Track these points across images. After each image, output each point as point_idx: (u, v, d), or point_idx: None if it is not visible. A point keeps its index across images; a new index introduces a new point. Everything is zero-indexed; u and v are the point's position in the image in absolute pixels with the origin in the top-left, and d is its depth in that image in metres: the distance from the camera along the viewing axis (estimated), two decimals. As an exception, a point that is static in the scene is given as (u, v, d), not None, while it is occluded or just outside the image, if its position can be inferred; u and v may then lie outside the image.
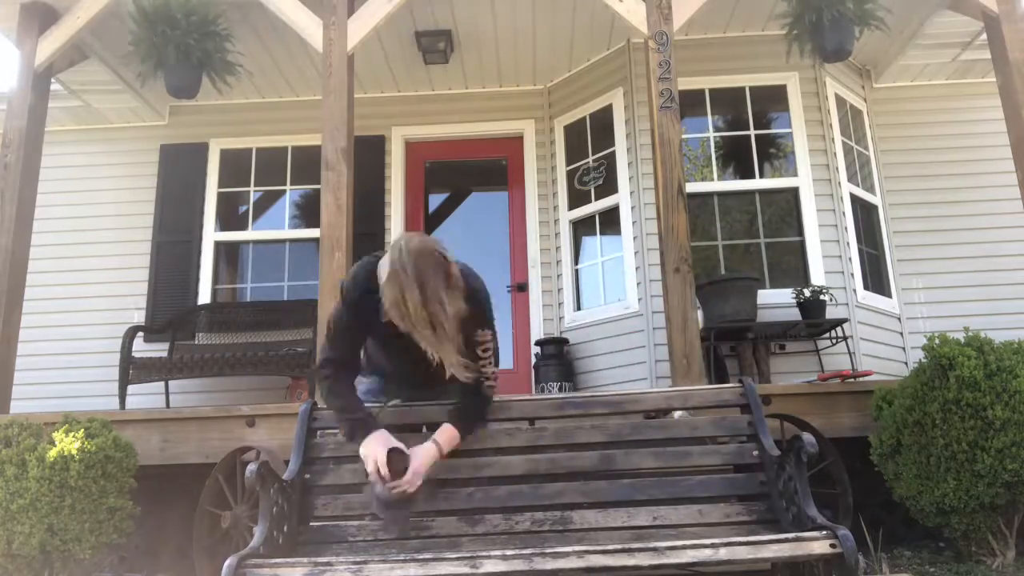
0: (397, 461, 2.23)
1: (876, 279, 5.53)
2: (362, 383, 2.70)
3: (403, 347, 2.27)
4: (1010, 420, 2.99)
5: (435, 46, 5.48)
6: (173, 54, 4.64)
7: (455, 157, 6.30)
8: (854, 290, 5.21)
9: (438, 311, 2.08)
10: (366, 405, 2.47)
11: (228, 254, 6.10)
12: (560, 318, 5.73)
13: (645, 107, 4.88)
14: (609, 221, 5.60)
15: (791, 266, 5.30)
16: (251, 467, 2.17)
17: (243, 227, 6.13)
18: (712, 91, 5.62)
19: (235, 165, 6.19)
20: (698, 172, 5.55)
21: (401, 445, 2.27)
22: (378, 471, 2.21)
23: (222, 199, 6.13)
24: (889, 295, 5.58)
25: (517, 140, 6.17)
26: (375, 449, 2.24)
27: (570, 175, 5.90)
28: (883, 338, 5.35)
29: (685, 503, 2.42)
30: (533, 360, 5.50)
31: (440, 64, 5.73)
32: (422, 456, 2.30)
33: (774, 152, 5.58)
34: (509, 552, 1.97)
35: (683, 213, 3.93)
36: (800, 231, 5.31)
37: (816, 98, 5.53)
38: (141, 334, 5.41)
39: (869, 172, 5.80)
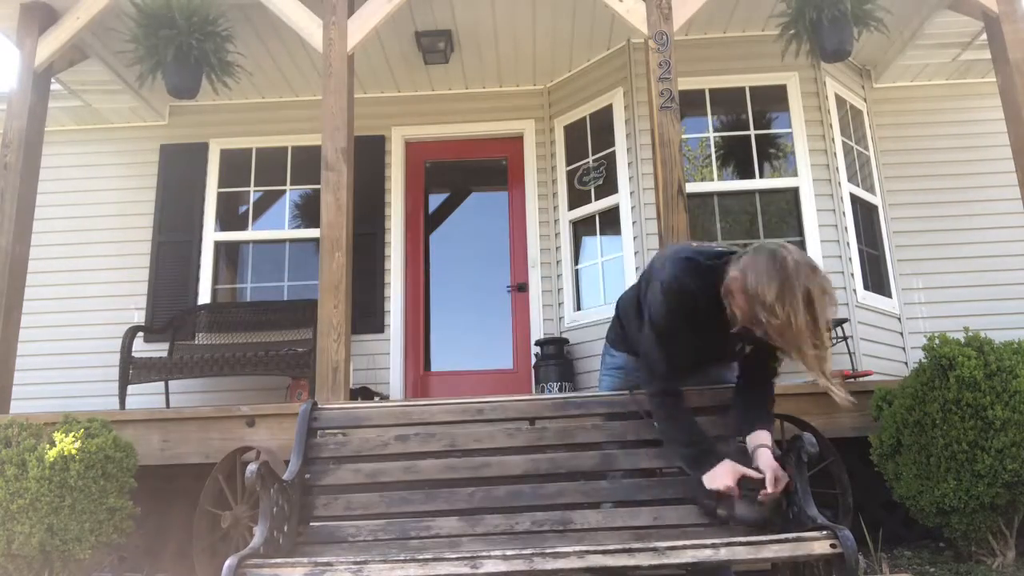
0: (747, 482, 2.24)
1: (876, 279, 5.53)
2: (615, 357, 2.68)
3: (709, 347, 2.25)
4: (1010, 420, 2.99)
5: (435, 46, 5.48)
6: (173, 54, 4.63)
7: (455, 157, 6.30)
8: (854, 290, 5.21)
9: (824, 329, 2.02)
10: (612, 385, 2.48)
11: (228, 254, 6.10)
12: (560, 318, 5.73)
13: (645, 107, 4.88)
14: (609, 221, 5.60)
15: (791, 266, 5.29)
16: (251, 467, 2.17)
17: (243, 227, 6.13)
18: (712, 91, 5.62)
19: (235, 165, 6.19)
20: (698, 172, 5.55)
21: (748, 471, 2.23)
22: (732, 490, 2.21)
23: (222, 199, 6.13)
24: (889, 295, 5.58)
25: (517, 140, 6.17)
26: (729, 479, 2.22)
27: (570, 175, 5.90)
28: (883, 338, 5.35)
29: (686, 503, 2.42)
30: (533, 360, 5.50)
31: (440, 64, 5.73)
32: (768, 459, 2.25)
33: (774, 152, 5.57)
34: (509, 552, 1.97)
35: (683, 213, 3.93)
36: (800, 231, 5.31)
37: (816, 98, 5.53)
38: (141, 334, 5.41)
39: (869, 172, 5.80)
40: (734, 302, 2.11)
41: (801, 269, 2.02)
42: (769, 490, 2.18)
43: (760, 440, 2.31)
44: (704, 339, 2.28)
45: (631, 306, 2.57)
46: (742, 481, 2.22)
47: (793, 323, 1.99)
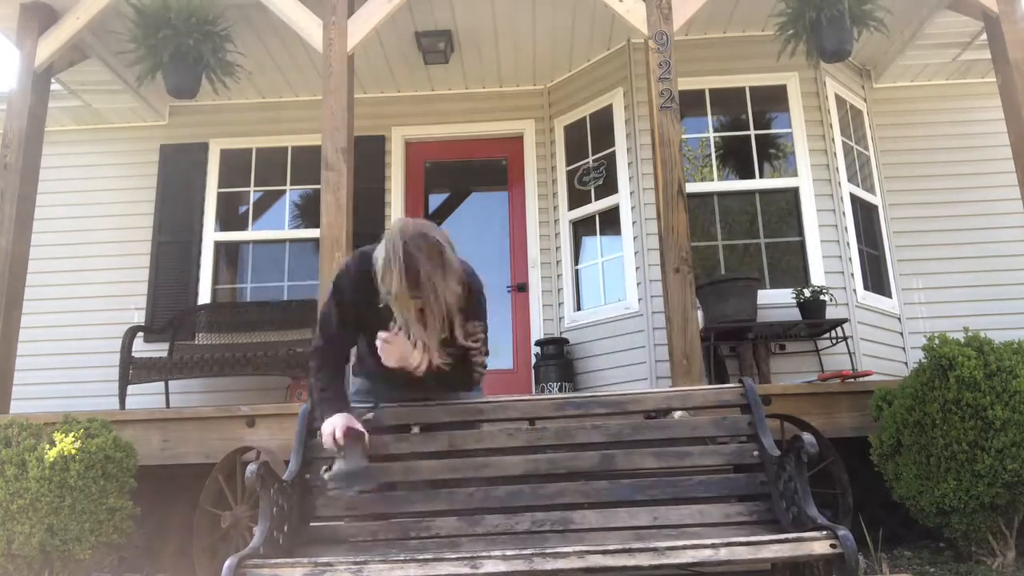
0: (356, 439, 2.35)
1: (876, 279, 5.53)
2: (353, 383, 2.71)
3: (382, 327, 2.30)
4: (1010, 420, 2.99)
5: (435, 46, 5.48)
6: (172, 54, 4.64)
7: (455, 157, 6.30)
8: (854, 290, 5.21)
9: (428, 293, 2.11)
10: (356, 406, 2.50)
11: (228, 254, 6.10)
12: (560, 318, 5.73)
13: (645, 107, 4.88)
14: (609, 221, 5.60)
15: (791, 266, 5.30)
16: (251, 467, 2.17)
17: (243, 227, 6.13)
18: (712, 91, 5.62)
19: (235, 165, 6.19)
20: (698, 172, 5.55)
21: (360, 426, 2.36)
22: (335, 443, 2.31)
23: (222, 199, 6.13)
24: (889, 295, 5.58)
25: (517, 140, 6.17)
26: (331, 427, 2.32)
27: (570, 175, 5.90)
28: (883, 338, 5.35)
29: (685, 503, 2.42)
30: (533, 360, 5.50)
31: (440, 64, 5.73)
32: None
33: (774, 152, 5.58)
34: (509, 552, 1.97)
35: (683, 213, 3.94)
36: (800, 231, 5.31)
37: (816, 98, 5.53)
38: (141, 334, 5.41)
39: (869, 172, 5.80)
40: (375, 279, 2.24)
41: (401, 232, 2.14)
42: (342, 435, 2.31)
43: None
44: (369, 324, 2.40)
45: None
46: (349, 433, 2.32)
47: (389, 281, 2.12)
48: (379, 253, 2.18)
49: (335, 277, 2.47)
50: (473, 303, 2.34)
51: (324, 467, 2.43)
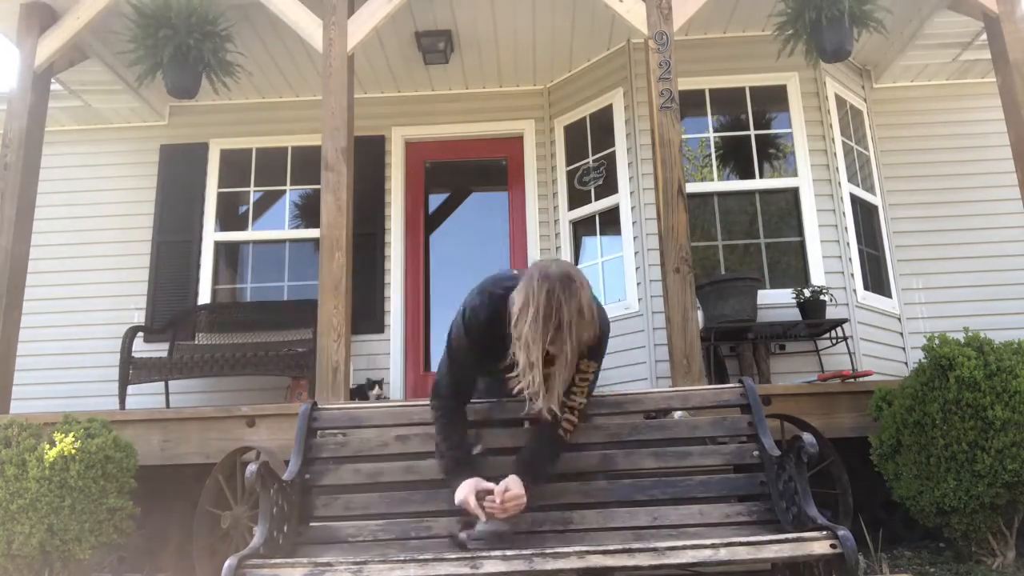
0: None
1: (876, 279, 5.53)
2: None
3: (503, 370, 2.22)
4: (1010, 420, 2.99)
5: (435, 46, 5.48)
6: (172, 54, 4.63)
7: (455, 157, 6.29)
8: (854, 290, 5.21)
9: (564, 342, 2.03)
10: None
11: (228, 254, 6.10)
12: (560, 318, 5.71)
13: (645, 107, 4.88)
14: (609, 221, 5.60)
15: (791, 266, 5.30)
16: (251, 467, 2.17)
17: (243, 227, 6.13)
18: (712, 91, 5.62)
19: (235, 165, 6.19)
20: (698, 172, 5.55)
21: (492, 486, 2.26)
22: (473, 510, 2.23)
23: (222, 199, 6.13)
24: (889, 295, 5.58)
25: (517, 140, 6.16)
26: (465, 492, 2.24)
27: (570, 175, 5.90)
28: (883, 338, 5.35)
29: (685, 503, 2.42)
30: (533, 360, 5.48)
31: (440, 64, 5.73)
32: (510, 480, 2.27)
33: (774, 152, 5.57)
34: (509, 552, 1.97)
35: (683, 213, 3.93)
36: (800, 231, 5.31)
37: (816, 98, 5.53)
38: (141, 334, 5.41)
39: (869, 172, 5.80)
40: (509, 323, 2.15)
41: (546, 278, 2.06)
42: (497, 501, 2.21)
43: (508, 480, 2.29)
44: (497, 368, 2.31)
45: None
46: (481, 495, 2.24)
47: (523, 325, 2.04)
48: (518, 296, 2.09)
49: (464, 322, 2.31)
50: (598, 344, 2.27)
51: (458, 525, 2.33)
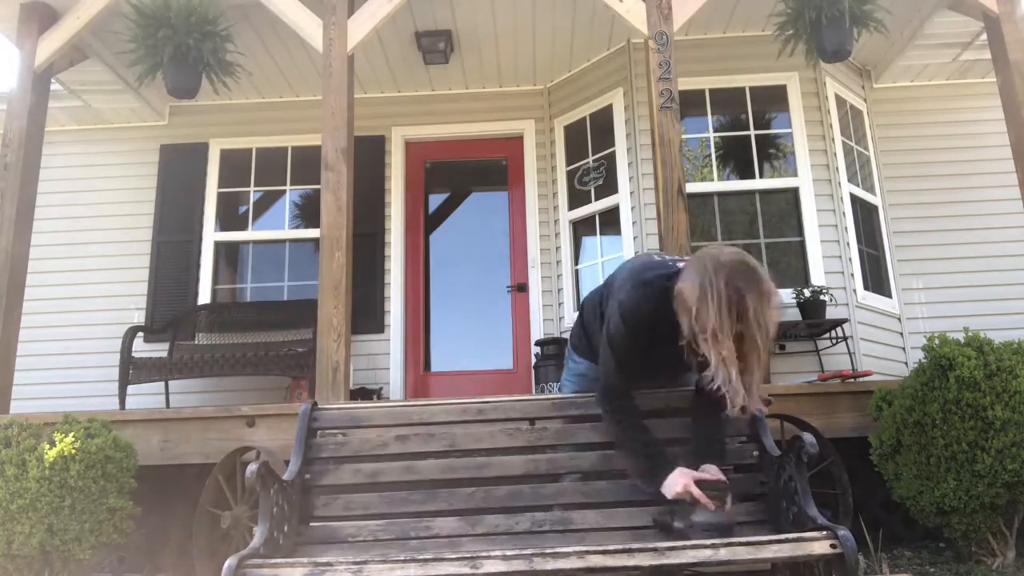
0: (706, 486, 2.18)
1: (876, 279, 5.53)
2: (577, 362, 2.65)
3: (668, 362, 2.19)
4: (1010, 420, 2.99)
5: (435, 46, 5.48)
6: (172, 55, 4.63)
7: (455, 157, 6.30)
8: (854, 290, 5.21)
9: (753, 327, 1.93)
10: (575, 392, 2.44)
11: (228, 254, 6.10)
12: (560, 318, 5.73)
13: (645, 107, 4.88)
14: (609, 221, 5.60)
15: (791, 266, 5.30)
16: (251, 467, 2.17)
17: (243, 227, 6.13)
18: (712, 91, 5.62)
19: (235, 165, 6.19)
20: (698, 172, 5.55)
21: (702, 474, 2.19)
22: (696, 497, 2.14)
23: (222, 199, 6.13)
24: (889, 295, 5.58)
25: (517, 140, 6.17)
26: (684, 482, 2.15)
27: (570, 175, 5.90)
28: (883, 338, 5.35)
29: (685, 503, 2.42)
30: (533, 360, 5.50)
31: (440, 64, 5.73)
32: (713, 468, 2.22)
33: (774, 152, 5.57)
34: (509, 552, 1.97)
35: (683, 213, 3.93)
36: (800, 231, 5.31)
37: (816, 98, 5.53)
38: (141, 334, 5.41)
39: (869, 172, 5.80)
40: (680, 315, 2.07)
41: (722, 266, 1.98)
42: (722, 477, 2.16)
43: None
44: (662, 357, 2.28)
45: (594, 313, 2.53)
46: (700, 484, 2.15)
47: (706, 318, 1.95)
48: (689, 286, 2.00)
49: (624, 317, 2.21)
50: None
51: (669, 516, 2.23)
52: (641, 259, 2.38)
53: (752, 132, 5.55)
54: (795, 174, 5.42)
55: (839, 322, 4.89)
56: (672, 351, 2.19)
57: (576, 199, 5.82)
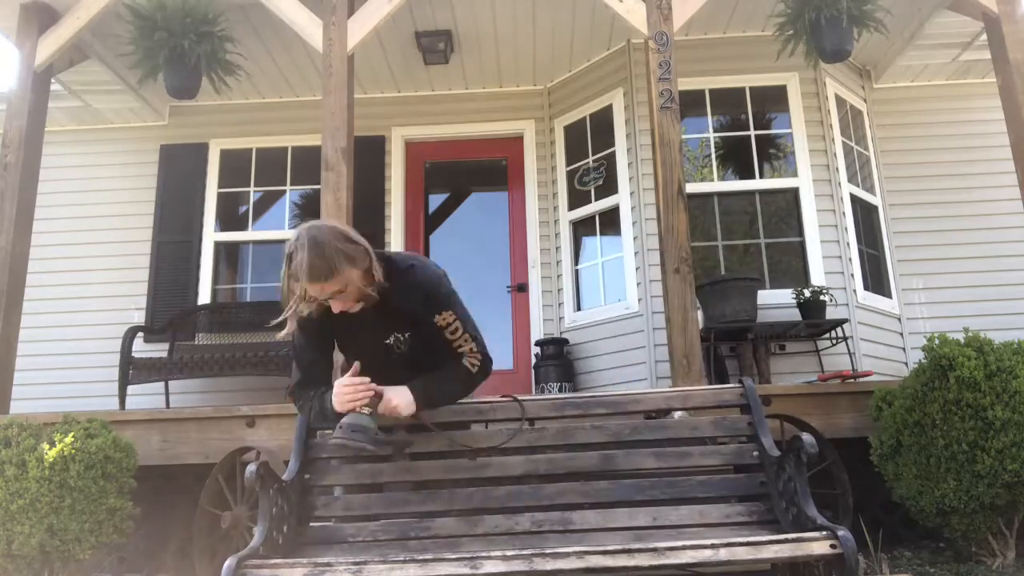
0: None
1: (876, 279, 5.53)
2: None
3: (356, 339, 2.43)
4: (1010, 420, 2.99)
5: (435, 46, 5.48)
6: (169, 56, 4.63)
7: (455, 157, 6.30)
8: (854, 290, 5.21)
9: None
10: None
11: (228, 254, 6.10)
12: (560, 318, 5.73)
13: (645, 107, 4.88)
14: (609, 221, 5.60)
15: (791, 266, 5.30)
16: (251, 467, 2.17)
17: (243, 227, 6.13)
18: (712, 91, 5.62)
19: (235, 165, 6.19)
20: (698, 172, 5.55)
21: (354, 379, 2.35)
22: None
23: (222, 199, 6.13)
24: (889, 295, 5.58)
25: (517, 140, 6.17)
26: (336, 388, 2.34)
27: (570, 175, 5.90)
28: (883, 338, 5.35)
29: (685, 503, 2.42)
30: (533, 360, 5.50)
31: (440, 64, 5.73)
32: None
33: (774, 152, 5.58)
34: (509, 553, 1.97)
35: (683, 213, 3.93)
36: (800, 231, 5.31)
37: (816, 98, 5.53)
38: (141, 334, 5.41)
39: (869, 172, 5.80)
40: None
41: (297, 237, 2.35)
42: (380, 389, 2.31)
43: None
44: (348, 339, 2.53)
45: None
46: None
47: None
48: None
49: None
50: (430, 296, 2.39)
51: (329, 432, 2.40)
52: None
53: (752, 132, 5.55)
54: (795, 174, 5.42)
55: (839, 322, 4.89)
56: (358, 333, 2.49)
57: (576, 199, 5.82)
